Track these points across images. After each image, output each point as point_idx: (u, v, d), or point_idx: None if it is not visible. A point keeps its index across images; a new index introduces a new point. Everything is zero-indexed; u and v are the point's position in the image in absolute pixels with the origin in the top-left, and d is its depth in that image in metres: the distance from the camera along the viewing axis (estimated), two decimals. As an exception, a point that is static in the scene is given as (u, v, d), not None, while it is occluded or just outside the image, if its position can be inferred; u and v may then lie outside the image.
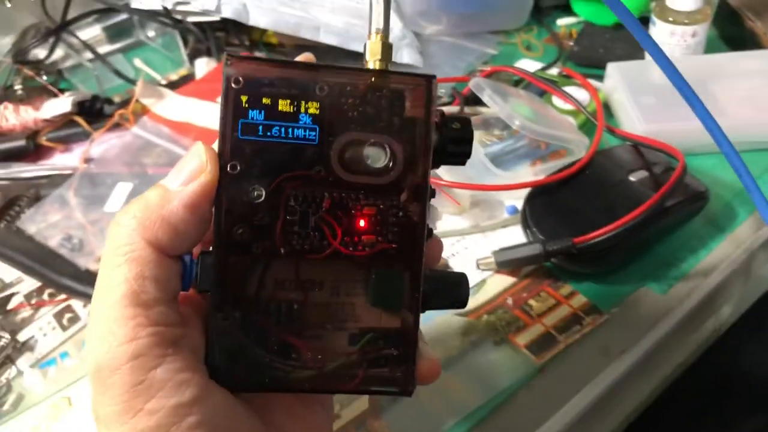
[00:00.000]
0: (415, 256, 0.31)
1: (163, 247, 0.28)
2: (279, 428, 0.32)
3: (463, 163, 0.33)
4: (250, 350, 0.30)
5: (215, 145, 0.30)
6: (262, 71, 0.29)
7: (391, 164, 0.30)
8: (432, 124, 0.31)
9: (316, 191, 0.30)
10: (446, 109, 0.71)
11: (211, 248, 0.30)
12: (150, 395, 0.27)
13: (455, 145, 0.32)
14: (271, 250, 0.30)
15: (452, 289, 0.34)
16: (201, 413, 0.27)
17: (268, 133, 0.29)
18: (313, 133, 0.30)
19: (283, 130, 0.29)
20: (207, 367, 0.29)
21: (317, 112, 0.30)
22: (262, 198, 0.30)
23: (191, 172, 0.29)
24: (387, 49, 0.31)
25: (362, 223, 0.30)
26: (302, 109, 0.29)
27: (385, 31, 0.32)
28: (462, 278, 0.34)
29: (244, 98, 0.29)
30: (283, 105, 0.29)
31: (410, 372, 0.31)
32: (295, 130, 0.30)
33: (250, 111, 0.29)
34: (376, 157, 0.30)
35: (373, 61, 0.31)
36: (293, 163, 0.30)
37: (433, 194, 0.32)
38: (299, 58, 0.33)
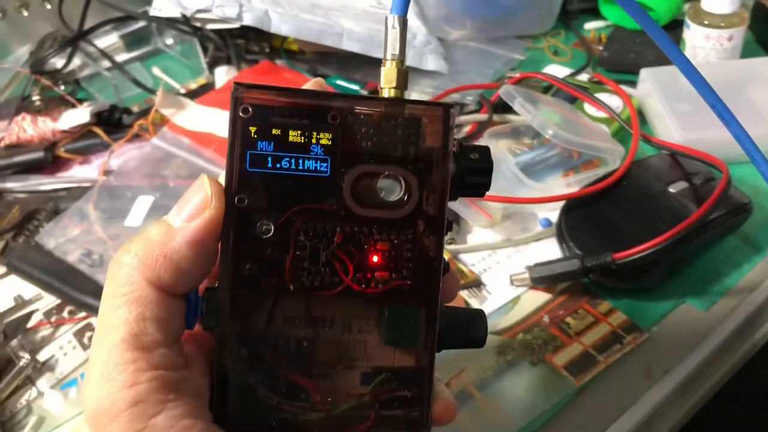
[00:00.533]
0: (430, 293, 0.30)
1: (166, 286, 0.27)
2: None
3: (481, 195, 0.32)
4: (256, 391, 0.29)
5: (221, 178, 0.29)
6: (272, 100, 0.28)
7: (406, 197, 0.29)
8: (450, 155, 0.29)
9: (327, 225, 0.29)
10: (472, 118, 0.69)
11: (217, 284, 0.29)
12: None
13: (474, 176, 0.31)
14: (280, 286, 0.29)
15: (469, 327, 0.32)
16: None
17: (278, 165, 0.28)
18: (325, 165, 0.28)
19: (293, 161, 0.28)
20: (211, 410, 0.28)
21: (329, 142, 0.28)
22: (271, 233, 0.28)
23: (195, 207, 0.28)
24: (403, 75, 0.30)
25: (375, 258, 0.29)
26: (313, 140, 0.28)
27: (401, 56, 0.30)
28: (479, 315, 0.33)
29: (252, 129, 0.28)
30: (294, 135, 0.28)
31: (425, 414, 0.30)
32: (306, 161, 0.28)
33: (259, 142, 0.28)
34: (391, 189, 0.29)
35: (387, 89, 0.30)
36: (304, 196, 0.28)
37: (449, 227, 0.30)
38: (308, 85, 0.32)
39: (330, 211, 0.29)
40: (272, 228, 0.28)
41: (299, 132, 0.28)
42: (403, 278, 0.29)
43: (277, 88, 0.28)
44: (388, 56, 0.30)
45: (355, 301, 0.29)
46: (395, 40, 0.30)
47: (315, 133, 0.28)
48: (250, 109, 0.28)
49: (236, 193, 0.28)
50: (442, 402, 0.31)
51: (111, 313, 0.26)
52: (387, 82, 0.30)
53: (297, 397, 0.29)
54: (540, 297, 0.54)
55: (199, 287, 0.29)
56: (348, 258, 0.29)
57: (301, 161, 0.28)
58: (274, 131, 0.28)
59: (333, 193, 0.28)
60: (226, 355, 0.28)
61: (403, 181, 0.29)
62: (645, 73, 0.70)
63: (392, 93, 0.30)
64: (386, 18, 0.30)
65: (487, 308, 0.53)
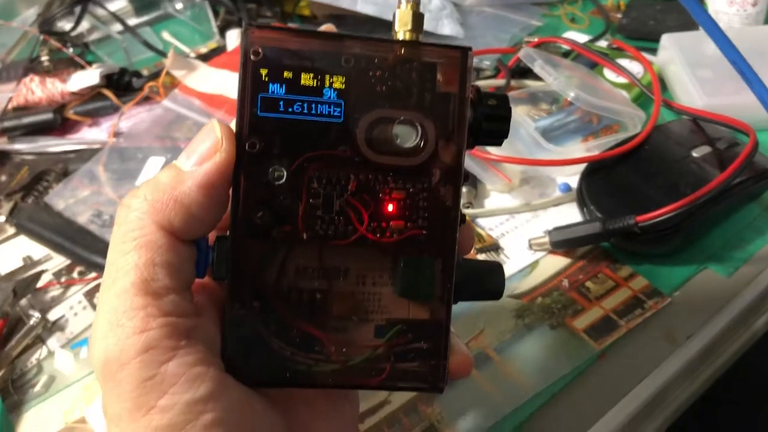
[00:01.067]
0: (447, 243, 0.29)
1: (176, 231, 0.26)
2: (302, 425, 0.30)
3: (499, 144, 0.30)
4: (269, 342, 0.28)
5: (233, 123, 0.28)
6: (284, 42, 0.27)
7: (422, 144, 0.28)
8: (467, 100, 0.28)
9: (341, 173, 0.28)
10: (489, 83, 0.67)
11: (228, 233, 0.28)
12: (162, 391, 0.24)
13: (491, 123, 0.29)
14: (293, 235, 0.28)
15: (486, 279, 0.32)
16: (217, 410, 0.25)
17: (290, 109, 0.27)
18: (338, 110, 0.27)
19: (305, 106, 0.27)
20: (223, 360, 0.27)
21: (342, 86, 0.27)
22: (283, 179, 0.27)
23: (206, 150, 0.27)
24: (418, 18, 0.29)
25: (390, 207, 0.28)
26: (326, 84, 0.27)
27: None
28: (496, 267, 0.32)
29: (264, 71, 0.27)
30: (306, 79, 0.27)
31: (442, 367, 0.29)
32: (319, 106, 0.27)
33: (271, 85, 0.27)
34: (406, 136, 0.28)
35: (402, 32, 0.29)
36: (316, 141, 0.27)
37: (466, 178, 0.29)
38: (321, 29, 0.30)
39: (344, 158, 0.28)
40: (284, 174, 0.27)
41: (312, 75, 0.27)
42: (418, 228, 0.28)
43: (289, 28, 0.28)
44: None
45: (369, 251, 0.28)
46: None
47: (328, 77, 0.27)
48: (261, 51, 0.27)
49: (247, 138, 0.27)
50: (458, 355, 0.30)
51: (120, 258, 0.26)
52: (402, 24, 0.29)
53: (311, 348, 0.28)
54: (559, 261, 0.53)
55: (210, 236, 0.29)
56: (362, 206, 0.28)
57: (313, 106, 0.27)
58: (285, 74, 0.27)
59: (347, 139, 0.28)
60: (236, 305, 0.28)
61: (419, 127, 0.28)
62: (666, 39, 0.68)
63: (407, 36, 0.29)
64: None
65: (506, 272, 0.52)
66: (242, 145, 0.27)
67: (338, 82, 0.27)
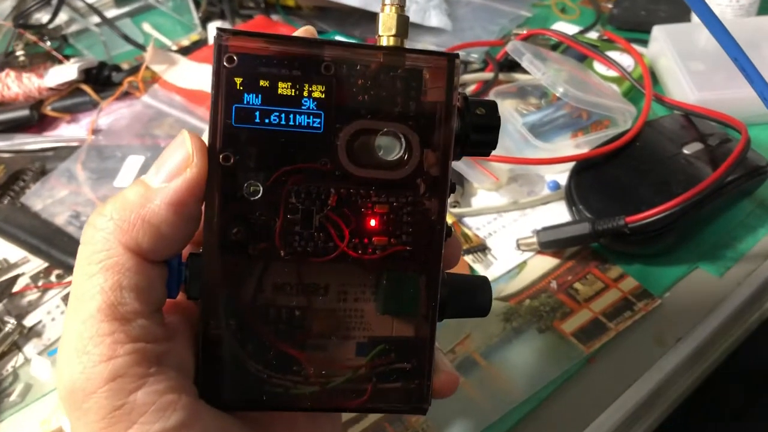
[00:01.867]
0: (432, 259, 0.28)
1: (144, 252, 0.25)
2: None
3: (487, 155, 0.29)
4: (245, 364, 0.27)
5: (206, 135, 0.26)
6: (259, 48, 0.25)
7: (406, 156, 0.27)
8: (454, 110, 0.27)
9: (320, 186, 0.26)
10: (477, 77, 0.66)
11: (201, 249, 0.26)
12: (131, 421, 0.23)
13: (479, 134, 0.28)
14: (270, 252, 0.26)
15: (473, 295, 0.30)
16: None
17: (266, 120, 0.25)
18: (318, 120, 0.26)
19: (283, 116, 0.26)
20: (196, 384, 0.26)
21: (322, 95, 0.26)
22: (260, 194, 0.26)
23: (175, 165, 0.25)
24: (403, 22, 0.27)
25: (373, 222, 0.27)
26: (305, 93, 0.26)
27: (402, 1, 0.28)
28: (483, 283, 0.31)
29: (238, 80, 0.25)
30: (284, 88, 0.25)
31: (425, 388, 0.28)
32: (297, 116, 0.26)
33: (246, 94, 0.25)
34: (390, 148, 0.27)
35: (386, 37, 0.27)
36: (295, 154, 0.26)
37: (453, 189, 0.28)
38: (299, 33, 0.29)
39: (324, 171, 0.26)
40: (261, 189, 0.26)
41: (290, 84, 0.26)
42: (402, 243, 0.27)
43: (265, 35, 0.26)
44: (387, 0, 0.27)
45: (350, 267, 0.27)
46: None
47: (307, 86, 0.26)
48: (236, 58, 0.25)
49: (221, 150, 0.25)
50: (443, 374, 0.29)
51: (85, 281, 0.24)
52: (386, 29, 0.27)
53: (289, 369, 0.27)
54: (547, 262, 0.52)
55: (183, 253, 0.27)
56: (343, 222, 0.27)
57: (291, 116, 0.26)
58: (261, 83, 0.25)
59: (327, 151, 0.26)
60: (211, 325, 0.26)
61: (403, 139, 0.27)
62: (657, 31, 0.67)
63: (391, 41, 0.27)
64: None
65: (493, 273, 0.51)
66: (215, 159, 0.25)
67: (318, 91, 0.26)
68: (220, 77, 0.25)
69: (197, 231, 0.27)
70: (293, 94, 0.26)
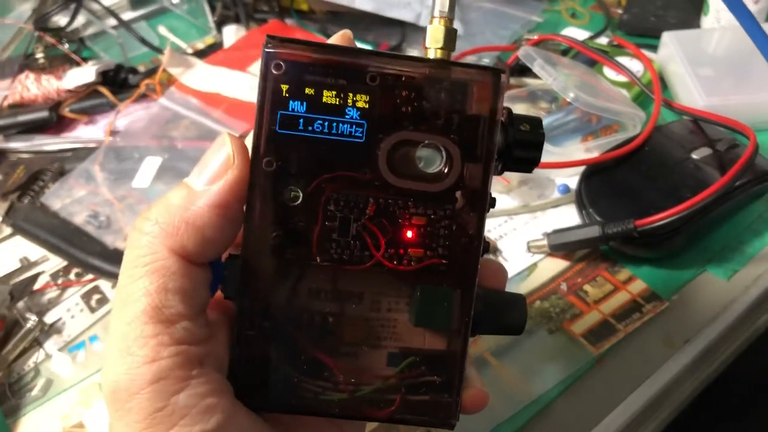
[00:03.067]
0: (467, 274, 0.28)
1: (190, 254, 0.25)
2: None
3: (529, 171, 0.29)
4: (277, 367, 0.27)
5: (249, 138, 0.27)
6: (306, 57, 0.26)
7: (446, 169, 0.27)
8: (498, 125, 0.27)
9: (359, 195, 0.27)
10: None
11: (240, 251, 0.27)
12: (172, 423, 0.24)
13: (523, 150, 0.28)
14: (307, 257, 0.27)
15: (507, 313, 0.30)
16: None
17: (310, 128, 0.26)
18: (360, 130, 0.26)
19: (326, 124, 0.26)
20: (229, 380, 0.27)
21: (366, 105, 0.26)
22: (299, 200, 0.26)
23: (217, 168, 0.26)
24: (451, 35, 0.28)
25: (410, 234, 0.27)
26: (349, 102, 0.26)
27: (450, 14, 0.28)
28: (519, 301, 0.31)
29: (284, 87, 0.26)
30: (329, 96, 0.26)
31: (454, 403, 0.28)
32: (341, 125, 0.26)
33: (291, 102, 0.26)
34: (431, 160, 0.27)
35: (434, 49, 0.27)
36: (336, 162, 0.26)
37: (492, 204, 0.28)
38: (335, 38, 0.29)
39: (363, 181, 0.27)
40: (301, 195, 0.26)
41: (334, 93, 0.26)
42: (438, 257, 0.27)
43: (311, 43, 0.26)
44: (436, 13, 0.28)
45: (385, 277, 0.27)
46: None
47: (351, 95, 0.26)
48: (283, 65, 0.26)
49: (264, 155, 0.26)
50: (472, 390, 0.29)
51: (131, 284, 0.25)
52: (433, 41, 0.27)
53: (319, 375, 0.27)
54: (557, 264, 0.53)
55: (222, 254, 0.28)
56: (380, 231, 0.27)
57: (335, 125, 0.26)
58: (307, 90, 0.26)
59: (367, 161, 0.26)
60: (246, 327, 0.27)
61: (444, 152, 0.27)
62: (667, 37, 0.67)
63: (438, 54, 0.27)
64: None
65: (504, 275, 0.52)
66: (258, 163, 0.26)
67: (362, 101, 0.26)
68: (267, 83, 0.26)
69: (240, 232, 0.27)
70: (337, 102, 0.26)
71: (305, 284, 0.27)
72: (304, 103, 0.26)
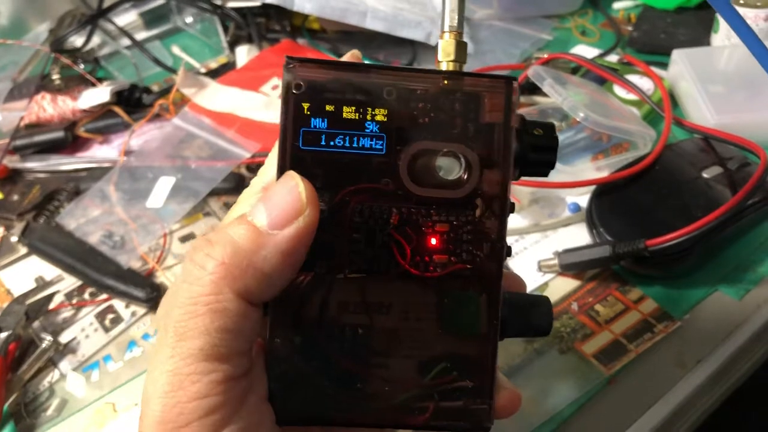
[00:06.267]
0: (492, 278, 0.28)
1: (252, 297, 0.26)
2: None
3: (545, 174, 0.30)
4: (310, 379, 0.28)
5: (271, 156, 0.28)
6: (325, 75, 0.27)
7: (465, 176, 0.28)
8: (512, 131, 0.28)
9: (383, 206, 0.28)
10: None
11: None
12: None
13: (537, 154, 0.29)
14: (335, 269, 0.28)
15: (533, 314, 0.30)
16: None
17: (332, 143, 0.27)
18: (381, 143, 0.27)
19: (347, 139, 0.27)
20: (271, 404, 0.27)
21: (385, 119, 0.27)
22: (326, 213, 0.27)
23: (287, 213, 0.26)
24: (462, 48, 0.29)
25: (434, 241, 0.28)
26: (369, 116, 0.27)
27: (460, 28, 0.29)
28: (544, 302, 0.31)
29: (305, 105, 0.27)
30: (348, 112, 0.27)
31: (488, 406, 0.29)
32: (361, 139, 0.27)
33: (313, 119, 0.27)
34: (450, 168, 0.28)
35: (446, 62, 0.29)
36: (358, 175, 0.27)
37: (512, 209, 0.28)
38: (346, 57, 0.30)
39: (386, 191, 0.27)
40: (326, 209, 0.27)
41: (354, 108, 0.27)
42: (462, 262, 0.28)
43: (330, 62, 0.27)
44: (446, 28, 0.29)
45: (412, 286, 0.28)
46: (453, 10, 0.29)
47: (370, 109, 0.27)
48: (303, 85, 0.27)
49: None
50: (505, 392, 0.29)
51: (190, 320, 0.25)
52: (445, 55, 0.29)
53: (353, 386, 0.28)
54: (568, 284, 0.53)
55: None
56: (405, 240, 0.28)
57: (355, 139, 0.27)
58: (327, 108, 0.27)
59: (389, 171, 0.27)
60: (278, 341, 0.28)
61: (462, 159, 0.28)
62: (677, 55, 0.67)
63: (450, 66, 0.29)
64: None
65: (515, 295, 0.52)
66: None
67: (380, 115, 0.27)
68: (288, 102, 0.27)
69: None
70: (357, 117, 0.27)
71: (334, 296, 0.28)
72: (325, 120, 0.27)
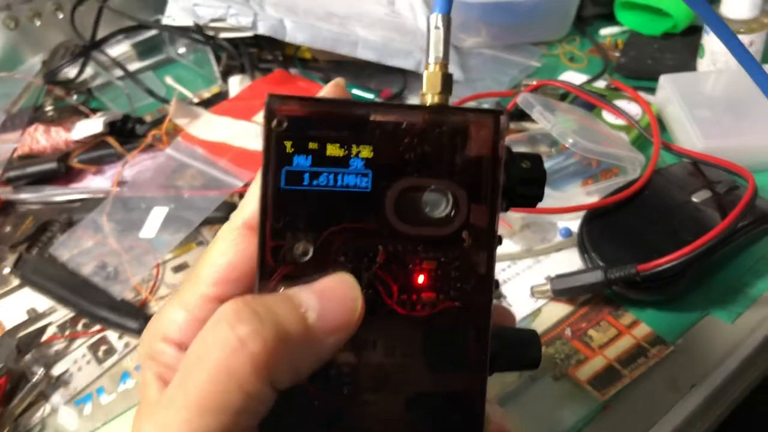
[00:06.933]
0: (481, 314, 0.27)
1: (278, 385, 0.25)
2: None
3: (533, 206, 0.30)
4: (295, 417, 0.27)
5: (255, 187, 0.27)
6: (308, 111, 0.26)
7: (453, 212, 0.27)
8: (500, 165, 0.27)
9: (369, 244, 0.27)
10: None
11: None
12: None
13: (526, 187, 0.29)
14: None
15: (522, 349, 0.30)
16: None
17: (315, 182, 0.26)
18: (366, 179, 0.26)
19: (332, 177, 0.26)
20: None
21: (370, 155, 0.26)
22: (309, 255, 0.26)
23: (339, 323, 0.25)
24: (447, 80, 0.28)
25: (421, 279, 0.27)
26: (353, 153, 0.26)
27: (445, 59, 0.28)
28: (533, 337, 0.31)
29: (288, 143, 0.26)
30: (333, 149, 0.26)
31: None
32: (346, 176, 0.26)
33: (296, 157, 0.26)
34: (437, 204, 0.27)
35: (432, 95, 0.28)
36: (343, 214, 0.26)
37: (499, 242, 0.28)
38: (328, 87, 0.30)
39: (372, 229, 0.26)
40: (310, 249, 0.26)
41: (338, 144, 0.26)
42: (451, 299, 0.27)
43: (313, 98, 0.26)
44: (431, 59, 0.28)
45: (399, 323, 0.27)
46: (438, 41, 0.28)
47: (355, 146, 0.26)
48: (286, 122, 0.26)
49: (272, 215, 0.26)
50: (494, 426, 0.29)
51: (219, 393, 0.24)
52: (430, 87, 0.28)
53: (339, 425, 0.27)
54: (561, 309, 0.53)
55: None
56: (391, 279, 0.27)
57: (340, 177, 0.26)
58: (311, 145, 0.26)
59: (375, 209, 0.26)
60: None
61: (450, 195, 0.27)
62: (664, 80, 0.68)
63: (436, 99, 0.28)
64: (428, 18, 0.28)
65: (508, 321, 0.52)
66: (265, 221, 0.26)
67: (366, 151, 0.26)
68: (270, 141, 0.26)
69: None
70: (342, 154, 0.26)
71: None
72: (309, 157, 0.26)
